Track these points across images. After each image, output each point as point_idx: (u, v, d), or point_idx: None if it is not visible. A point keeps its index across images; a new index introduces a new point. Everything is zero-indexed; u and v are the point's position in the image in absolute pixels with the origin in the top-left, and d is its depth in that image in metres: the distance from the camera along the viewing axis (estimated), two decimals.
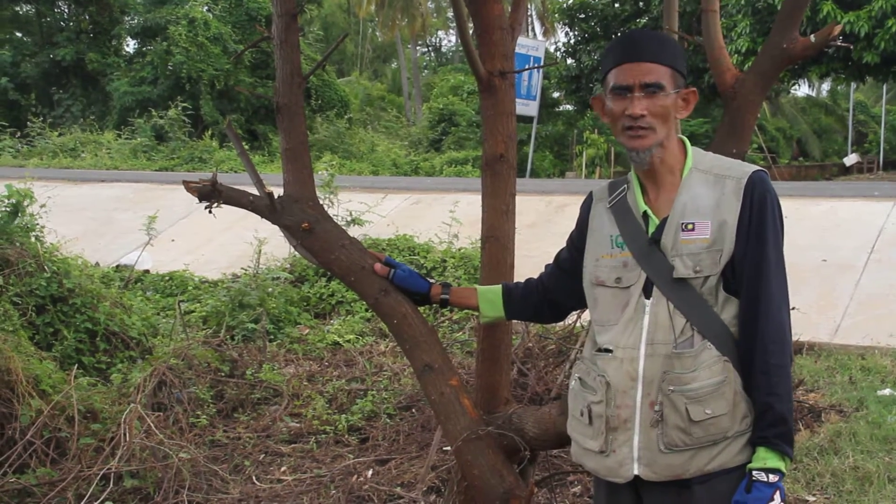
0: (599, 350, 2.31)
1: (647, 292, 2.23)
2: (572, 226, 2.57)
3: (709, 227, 2.17)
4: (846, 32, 19.12)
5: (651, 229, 2.26)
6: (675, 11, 3.75)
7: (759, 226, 2.17)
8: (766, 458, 2.13)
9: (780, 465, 2.13)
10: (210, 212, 2.91)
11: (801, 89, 43.82)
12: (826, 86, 47.24)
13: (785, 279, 2.20)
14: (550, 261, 2.70)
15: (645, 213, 2.29)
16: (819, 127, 40.16)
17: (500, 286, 2.74)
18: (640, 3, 26.89)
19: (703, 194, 2.21)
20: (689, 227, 2.19)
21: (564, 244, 2.62)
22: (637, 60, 2.21)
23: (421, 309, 2.93)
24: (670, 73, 2.22)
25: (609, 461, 2.26)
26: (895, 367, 6.70)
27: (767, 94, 3.50)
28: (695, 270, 2.17)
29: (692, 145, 2.33)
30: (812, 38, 2.89)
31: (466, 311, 8.41)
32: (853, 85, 32.85)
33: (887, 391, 6.08)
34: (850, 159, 35.53)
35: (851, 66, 21.48)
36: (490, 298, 2.72)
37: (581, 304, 2.57)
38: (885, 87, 35.40)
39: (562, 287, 2.60)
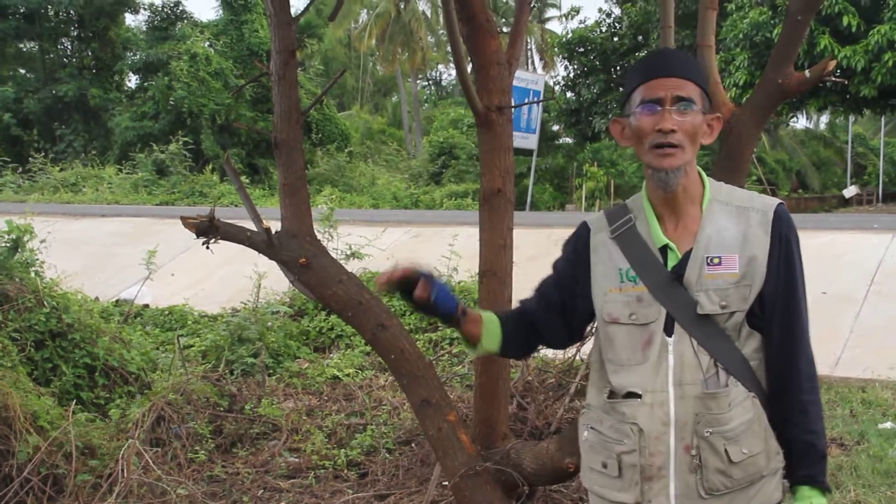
0: (624, 395, 2.16)
1: (668, 330, 2.12)
2: None
3: (736, 262, 2.10)
4: (843, 66, 19.25)
5: (672, 263, 2.15)
6: (672, 46, 3.78)
7: (787, 262, 2.13)
8: (810, 496, 2.12)
9: (823, 500, 2.13)
10: (207, 247, 2.92)
11: (800, 122, 44.02)
12: (825, 118, 47.50)
13: (808, 313, 2.18)
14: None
15: (665, 246, 2.17)
16: (818, 159, 40.34)
17: (497, 321, 2.43)
18: (639, 38, 27.07)
19: (728, 227, 2.13)
20: (716, 261, 2.10)
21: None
22: (668, 75, 2.12)
23: (420, 343, 2.92)
24: (700, 92, 2.13)
25: None
26: None
27: (764, 127, 3.52)
28: (721, 306, 2.09)
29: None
30: (807, 73, 2.91)
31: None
32: (851, 118, 33.04)
33: (888, 424, 6.05)
34: (850, 191, 35.65)
35: (849, 99, 21.60)
36: (491, 335, 2.41)
37: (562, 343, 2.46)
38: (882, 119, 35.56)
39: (548, 324, 2.40)
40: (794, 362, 2.12)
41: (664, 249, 2.17)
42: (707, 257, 2.11)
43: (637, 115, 2.13)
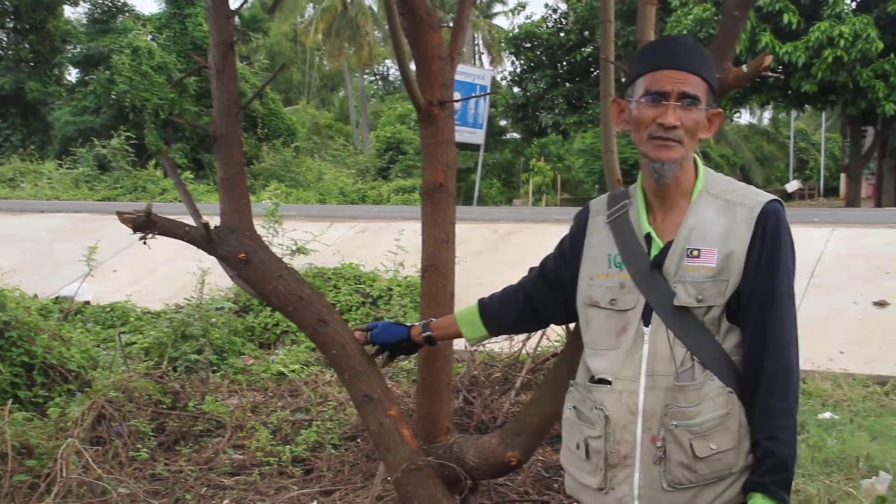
0: (596, 380, 2.18)
1: (645, 319, 2.11)
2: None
3: (714, 256, 2.07)
4: (784, 62, 19.57)
5: (654, 252, 2.15)
6: (612, 41, 3.79)
7: (770, 260, 2.07)
8: None
9: None
10: (145, 243, 2.87)
11: (744, 117, 44.70)
12: (768, 114, 48.27)
13: (794, 316, 2.10)
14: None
15: (648, 234, 2.17)
16: (761, 154, 40.99)
17: (476, 305, 2.61)
18: (585, 33, 27.25)
19: (712, 220, 2.10)
20: (695, 253, 2.09)
21: (542, 261, 2.50)
22: (677, 68, 2.09)
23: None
24: (706, 88, 2.11)
25: (608, 499, 2.14)
26: (835, 390, 6.79)
27: None
28: (697, 299, 2.06)
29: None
30: (744, 68, 2.93)
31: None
32: (793, 113, 33.62)
33: (827, 415, 6.16)
34: (792, 186, 36.28)
35: (791, 94, 21.98)
36: (469, 321, 2.61)
37: (561, 319, 2.47)
38: (823, 115, 36.25)
39: (543, 297, 2.46)
40: (765, 363, 2.05)
41: (648, 238, 2.17)
42: (687, 249, 2.10)
43: (639, 105, 2.12)
